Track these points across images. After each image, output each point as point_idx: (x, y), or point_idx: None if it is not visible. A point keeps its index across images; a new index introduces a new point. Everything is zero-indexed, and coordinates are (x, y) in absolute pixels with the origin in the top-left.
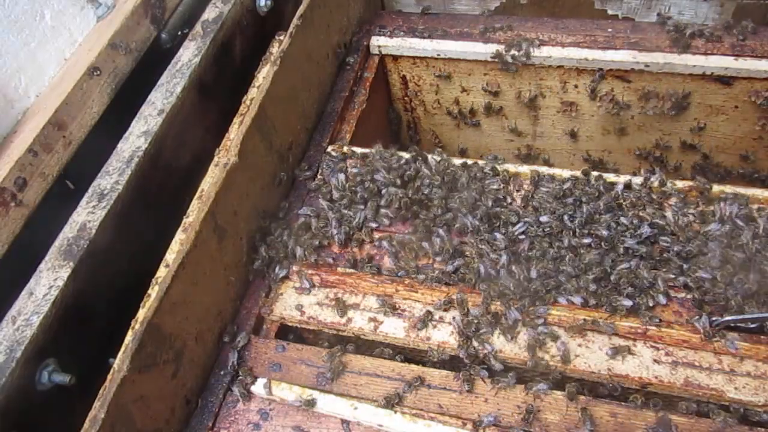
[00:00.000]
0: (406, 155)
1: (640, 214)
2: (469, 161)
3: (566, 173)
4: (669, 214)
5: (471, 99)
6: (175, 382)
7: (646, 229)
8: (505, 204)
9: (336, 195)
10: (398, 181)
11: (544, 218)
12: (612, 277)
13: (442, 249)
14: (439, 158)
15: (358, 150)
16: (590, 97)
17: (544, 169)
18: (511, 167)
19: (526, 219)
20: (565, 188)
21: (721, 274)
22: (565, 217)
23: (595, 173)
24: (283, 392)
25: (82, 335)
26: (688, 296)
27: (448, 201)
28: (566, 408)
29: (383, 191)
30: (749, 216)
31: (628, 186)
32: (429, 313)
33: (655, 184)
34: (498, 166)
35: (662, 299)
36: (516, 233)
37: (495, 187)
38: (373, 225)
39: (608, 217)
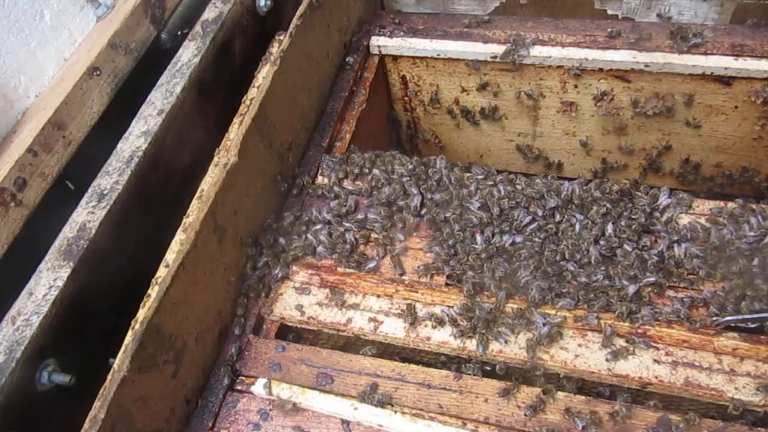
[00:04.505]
0: None
1: (639, 217)
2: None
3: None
4: (665, 218)
5: (471, 99)
6: (175, 382)
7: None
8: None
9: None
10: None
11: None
12: (612, 280)
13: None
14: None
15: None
16: (592, 99)
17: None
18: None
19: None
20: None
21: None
22: (573, 220)
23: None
24: (283, 392)
25: (82, 335)
26: (689, 296)
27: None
28: (567, 407)
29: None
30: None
31: (629, 191)
32: (430, 313)
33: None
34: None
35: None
36: (516, 235)
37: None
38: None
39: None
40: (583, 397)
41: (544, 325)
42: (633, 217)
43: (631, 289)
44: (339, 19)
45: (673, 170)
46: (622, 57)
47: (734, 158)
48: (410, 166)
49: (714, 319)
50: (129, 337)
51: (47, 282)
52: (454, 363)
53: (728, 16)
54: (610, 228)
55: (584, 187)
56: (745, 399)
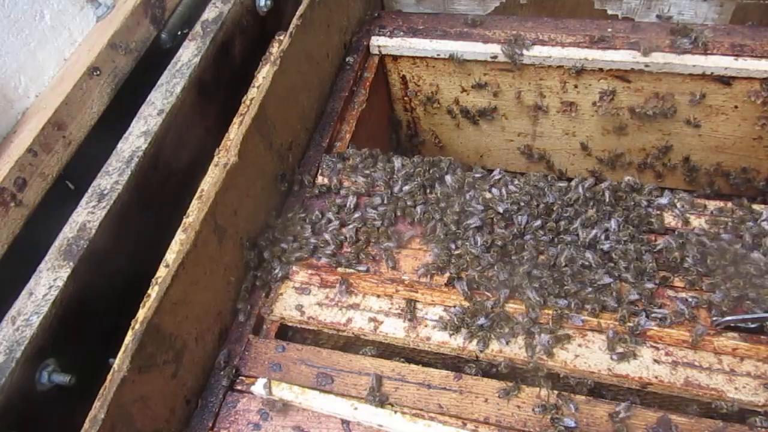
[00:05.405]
0: None
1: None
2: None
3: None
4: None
5: (471, 99)
6: (175, 382)
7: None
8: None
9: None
10: None
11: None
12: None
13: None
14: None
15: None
16: (598, 94)
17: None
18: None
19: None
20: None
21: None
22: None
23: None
24: (283, 392)
25: (82, 335)
26: (689, 297)
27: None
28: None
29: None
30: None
31: (629, 191)
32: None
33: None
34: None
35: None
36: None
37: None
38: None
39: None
40: (583, 397)
41: (536, 325)
42: (633, 217)
43: (632, 289)
44: (339, 19)
45: (672, 170)
46: (622, 57)
47: (734, 158)
48: (411, 166)
49: (714, 319)
50: (129, 337)
51: (47, 282)
52: (453, 362)
53: (728, 16)
54: (610, 228)
55: (584, 187)
56: (744, 399)
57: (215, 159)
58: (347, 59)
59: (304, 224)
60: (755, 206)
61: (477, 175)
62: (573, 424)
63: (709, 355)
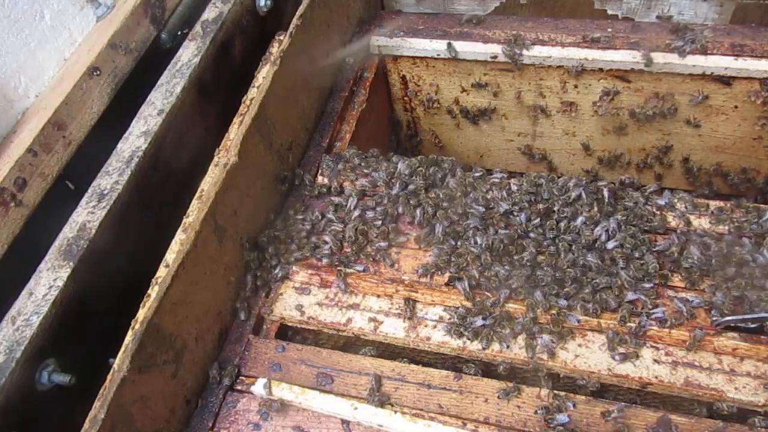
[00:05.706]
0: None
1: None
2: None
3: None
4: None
5: (471, 99)
6: (175, 382)
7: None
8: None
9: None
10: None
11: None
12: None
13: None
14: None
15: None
16: (600, 94)
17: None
18: None
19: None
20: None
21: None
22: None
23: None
24: (283, 392)
25: (82, 335)
26: (689, 297)
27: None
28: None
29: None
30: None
31: (629, 191)
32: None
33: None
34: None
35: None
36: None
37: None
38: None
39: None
40: (583, 397)
41: (537, 325)
42: (632, 217)
43: (632, 289)
44: (339, 19)
45: (672, 170)
46: (622, 57)
47: (734, 158)
48: (412, 166)
49: (714, 319)
50: (129, 337)
51: (47, 282)
52: (453, 362)
53: (728, 16)
54: (610, 227)
55: (584, 187)
56: (744, 399)
57: (215, 159)
58: (347, 59)
59: (304, 224)
60: (756, 206)
61: (477, 175)
62: (566, 419)
63: (709, 355)
